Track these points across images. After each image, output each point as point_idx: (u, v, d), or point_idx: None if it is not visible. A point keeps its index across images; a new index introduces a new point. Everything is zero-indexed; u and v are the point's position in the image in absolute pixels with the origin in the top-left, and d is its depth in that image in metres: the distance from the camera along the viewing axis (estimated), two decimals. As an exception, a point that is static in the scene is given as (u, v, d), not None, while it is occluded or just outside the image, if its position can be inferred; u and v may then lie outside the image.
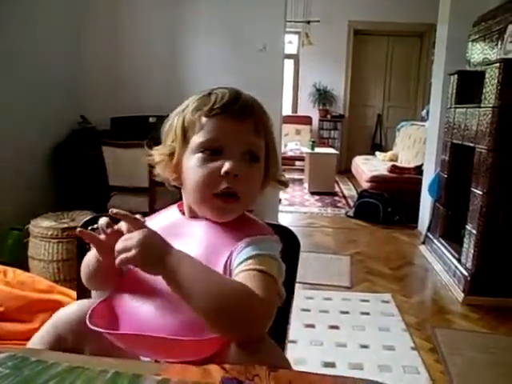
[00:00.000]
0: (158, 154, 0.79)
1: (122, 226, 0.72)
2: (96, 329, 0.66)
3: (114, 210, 0.68)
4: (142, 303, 0.70)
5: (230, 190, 0.72)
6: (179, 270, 0.63)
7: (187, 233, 0.75)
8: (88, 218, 0.98)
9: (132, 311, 0.71)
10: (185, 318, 0.65)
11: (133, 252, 0.63)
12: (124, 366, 0.56)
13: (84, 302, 0.83)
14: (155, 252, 0.64)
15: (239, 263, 0.68)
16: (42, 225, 2.38)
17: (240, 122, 0.72)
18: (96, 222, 0.97)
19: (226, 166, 0.70)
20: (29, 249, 2.43)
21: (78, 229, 0.70)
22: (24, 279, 1.76)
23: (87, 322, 0.67)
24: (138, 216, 0.75)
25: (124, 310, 0.72)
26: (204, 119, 0.72)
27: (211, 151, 0.72)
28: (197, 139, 0.73)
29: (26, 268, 2.29)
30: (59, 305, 1.69)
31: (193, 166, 0.73)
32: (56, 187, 3.27)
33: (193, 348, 0.64)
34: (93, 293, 0.94)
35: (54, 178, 3.26)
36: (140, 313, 0.70)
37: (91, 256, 0.75)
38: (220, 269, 0.69)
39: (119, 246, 0.65)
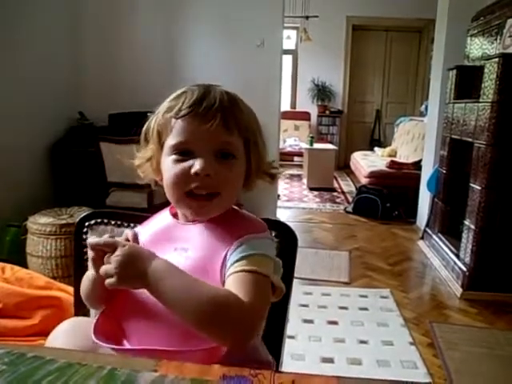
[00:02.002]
0: (138, 157, 0.79)
1: (123, 235, 0.74)
2: (103, 345, 0.67)
3: (93, 242, 0.69)
4: (143, 311, 0.70)
5: (203, 192, 0.71)
6: (160, 284, 0.64)
7: (183, 237, 0.74)
8: (85, 214, 0.98)
9: (135, 320, 0.72)
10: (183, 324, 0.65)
11: (114, 278, 0.64)
12: (121, 363, 0.56)
13: (76, 320, 0.85)
14: (134, 272, 0.65)
15: (231, 265, 0.68)
16: (40, 221, 2.38)
17: (207, 120, 0.70)
18: (94, 218, 0.97)
19: (196, 166, 0.70)
20: (27, 245, 2.42)
21: (90, 241, 0.70)
22: (22, 276, 1.76)
23: (93, 338, 0.68)
24: (127, 231, 0.77)
25: (127, 320, 0.73)
26: (173, 121, 0.72)
27: (183, 152, 0.72)
28: (169, 142, 0.73)
29: (24, 265, 2.28)
30: (58, 301, 1.69)
31: (167, 168, 0.73)
32: (54, 184, 3.26)
33: (201, 357, 0.64)
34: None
35: (52, 174, 3.25)
36: (143, 322, 0.71)
37: (89, 274, 0.75)
38: (217, 271, 0.69)
39: (102, 271, 0.66)
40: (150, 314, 0.69)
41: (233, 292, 0.64)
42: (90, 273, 0.74)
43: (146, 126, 0.78)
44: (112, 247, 0.67)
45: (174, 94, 0.75)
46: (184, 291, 0.63)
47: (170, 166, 0.72)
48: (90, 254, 0.70)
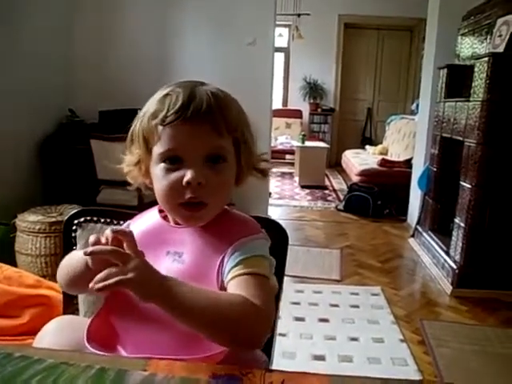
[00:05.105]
0: (126, 164, 0.77)
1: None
2: (96, 352, 0.66)
3: (115, 228, 0.65)
4: (141, 317, 0.69)
5: (195, 200, 0.69)
6: (175, 294, 0.61)
7: (175, 240, 0.73)
8: (74, 211, 0.97)
9: (131, 326, 0.71)
10: (182, 330, 0.63)
11: (129, 275, 0.59)
12: (109, 362, 0.55)
13: (64, 318, 0.84)
14: (151, 278, 0.61)
15: (230, 269, 0.68)
16: (29, 219, 2.35)
17: (196, 126, 0.68)
18: (83, 216, 0.96)
19: (187, 176, 0.68)
20: (16, 244, 2.40)
21: (90, 249, 0.63)
22: (11, 274, 1.74)
23: (86, 344, 0.67)
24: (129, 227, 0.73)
25: (122, 326, 0.72)
26: (160, 128, 0.69)
27: (172, 160, 0.69)
28: (157, 150, 0.71)
29: (13, 263, 2.26)
30: (47, 300, 1.68)
31: (157, 177, 0.71)
32: (44, 181, 3.23)
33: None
34: (80, 297, 0.94)
35: (41, 171, 3.22)
36: (138, 327, 0.70)
37: (77, 261, 0.70)
38: (213, 277, 0.69)
39: (112, 269, 0.59)
40: (148, 320, 0.68)
41: (245, 296, 0.63)
42: (79, 256, 0.69)
43: (131, 130, 0.75)
44: (133, 248, 0.62)
45: (157, 96, 0.72)
46: (201, 299, 0.61)
47: (160, 176, 0.70)
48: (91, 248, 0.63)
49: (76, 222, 0.96)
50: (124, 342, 0.71)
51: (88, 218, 0.96)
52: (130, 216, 0.87)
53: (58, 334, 0.76)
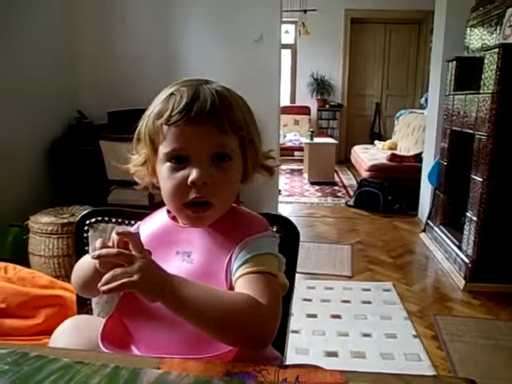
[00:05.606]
0: (132, 164, 0.78)
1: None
2: (110, 352, 0.66)
3: (120, 229, 0.65)
4: (153, 317, 0.69)
5: (200, 200, 0.69)
6: (180, 294, 0.60)
7: (184, 240, 0.73)
8: (86, 212, 0.98)
9: (144, 326, 0.71)
10: (192, 330, 0.63)
11: (134, 277, 0.59)
12: (124, 360, 0.56)
13: (78, 318, 0.85)
14: (156, 278, 0.61)
15: (237, 268, 0.68)
16: (41, 221, 2.38)
17: (200, 125, 0.67)
18: (94, 217, 0.97)
19: (192, 175, 0.68)
20: (29, 245, 2.43)
21: (97, 253, 0.63)
22: (25, 275, 1.76)
23: (100, 345, 0.67)
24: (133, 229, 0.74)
25: (135, 326, 0.72)
26: (165, 128, 0.69)
27: (178, 160, 0.70)
28: (162, 149, 0.70)
29: (26, 264, 2.29)
30: (61, 300, 1.70)
31: (163, 176, 0.72)
32: (54, 183, 3.26)
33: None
34: (93, 300, 0.95)
35: (52, 173, 3.25)
36: (149, 327, 0.70)
37: (88, 265, 0.71)
38: (222, 276, 0.69)
39: (118, 270, 0.60)
40: (159, 319, 0.69)
41: (250, 295, 0.63)
42: (89, 260, 0.69)
43: (137, 130, 0.75)
44: (138, 249, 0.63)
45: (162, 96, 0.72)
46: (205, 299, 0.61)
47: (166, 175, 0.71)
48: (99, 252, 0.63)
49: (87, 222, 0.97)
50: (137, 342, 0.72)
51: (99, 218, 0.96)
52: (141, 216, 0.87)
53: (73, 333, 0.77)
